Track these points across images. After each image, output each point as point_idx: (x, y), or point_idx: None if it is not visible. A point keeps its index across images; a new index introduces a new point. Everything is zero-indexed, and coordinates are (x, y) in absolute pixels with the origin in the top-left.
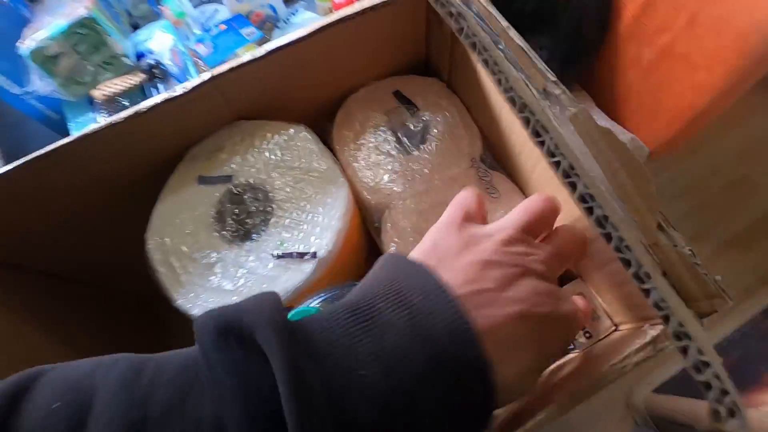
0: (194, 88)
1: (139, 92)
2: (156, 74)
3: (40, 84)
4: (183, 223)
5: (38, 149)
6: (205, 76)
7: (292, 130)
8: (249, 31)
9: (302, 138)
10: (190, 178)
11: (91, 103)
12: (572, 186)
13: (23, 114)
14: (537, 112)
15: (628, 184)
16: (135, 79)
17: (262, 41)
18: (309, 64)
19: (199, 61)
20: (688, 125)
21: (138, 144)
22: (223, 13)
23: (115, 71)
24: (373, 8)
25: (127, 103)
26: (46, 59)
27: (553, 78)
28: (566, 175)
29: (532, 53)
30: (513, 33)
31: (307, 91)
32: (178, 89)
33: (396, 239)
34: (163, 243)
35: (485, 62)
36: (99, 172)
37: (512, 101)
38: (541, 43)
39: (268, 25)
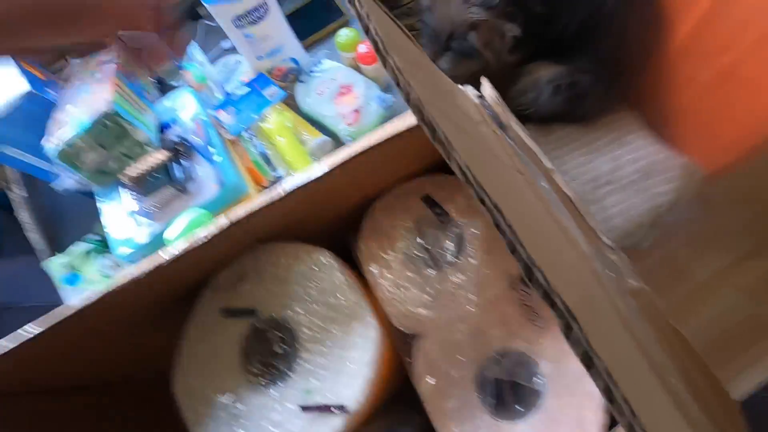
0: (215, 236)
1: (164, 169)
2: (180, 150)
3: (68, 180)
4: (208, 362)
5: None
6: (224, 222)
7: (316, 257)
8: (272, 92)
9: (326, 266)
10: (213, 309)
11: (116, 185)
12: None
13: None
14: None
15: (702, 384)
16: (159, 157)
17: (285, 100)
18: (331, 191)
19: (222, 129)
20: (749, 151)
21: (160, 285)
22: (244, 65)
23: (139, 157)
24: (399, 135)
25: (149, 183)
26: (72, 157)
27: (609, 242)
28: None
29: (581, 205)
30: (559, 179)
31: (330, 210)
32: (201, 236)
33: (429, 376)
34: (191, 386)
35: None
36: (126, 313)
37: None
38: (583, 66)
39: (292, 77)
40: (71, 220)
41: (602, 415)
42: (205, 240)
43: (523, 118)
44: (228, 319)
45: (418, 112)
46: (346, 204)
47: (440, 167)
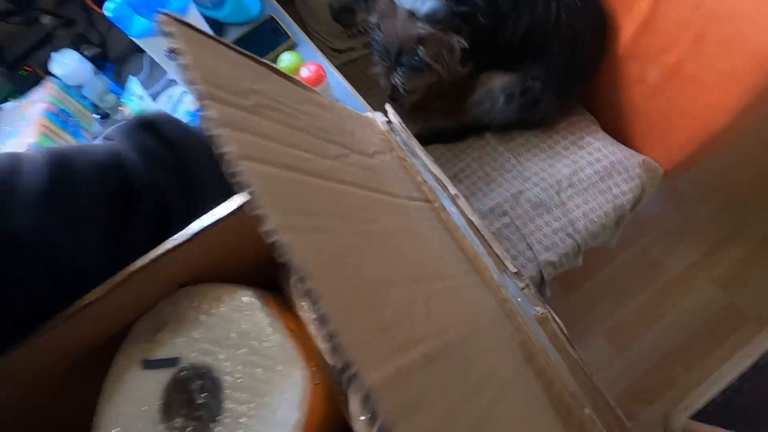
0: (132, 274)
1: None
2: None
3: None
4: (129, 420)
5: None
6: (138, 264)
7: (238, 297)
8: None
9: (248, 306)
10: (134, 361)
11: None
12: None
13: None
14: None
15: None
16: None
17: None
18: (249, 228)
19: None
20: (704, 145)
21: (76, 336)
22: (184, 95)
23: None
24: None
25: None
26: None
27: (514, 269)
28: None
29: (485, 231)
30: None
31: (252, 248)
32: (117, 279)
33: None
34: None
35: None
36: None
37: None
38: (533, 73)
39: None
40: None
41: None
42: (118, 282)
43: (483, 127)
44: (148, 371)
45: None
46: (259, 247)
47: None
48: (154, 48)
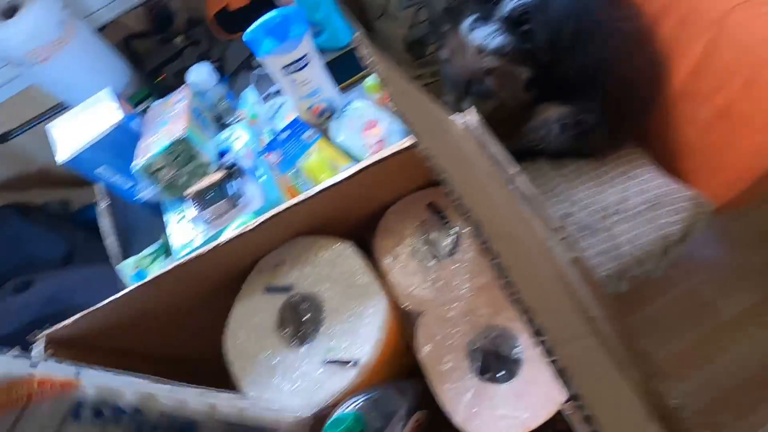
0: (264, 222)
1: (220, 186)
2: (233, 172)
3: (147, 191)
4: (252, 326)
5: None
6: (270, 213)
7: (340, 246)
8: (309, 135)
9: (348, 254)
10: (258, 286)
11: (181, 199)
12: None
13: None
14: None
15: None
16: (217, 177)
17: (321, 140)
18: (354, 195)
19: (275, 168)
20: (755, 185)
21: (215, 265)
22: (287, 105)
23: (202, 175)
24: (400, 152)
25: (208, 197)
26: (151, 172)
27: (558, 224)
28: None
29: (537, 201)
30: (521, 181)
31: (352, 210)
32: (254, 223)
33: (428, 345)
34: (236, 345)
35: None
36: (193, 284)
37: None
38: (588, 106)
39: (327, 115)
40: (140, 232)
41: None
42: (252, 228)
43: (537, 152)
44: (268, 294)
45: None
46: (366, 208)
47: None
48: (273, 64)
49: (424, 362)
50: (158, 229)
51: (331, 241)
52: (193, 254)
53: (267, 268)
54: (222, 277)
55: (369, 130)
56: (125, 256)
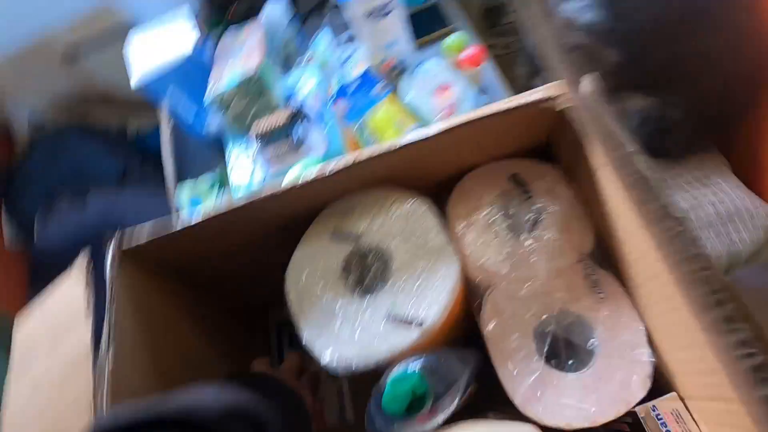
0: (342, 169)
1: (286, 128)
2: (300, 115)
3: (214, 121)
4: (316, 269)
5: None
6: (351, 159)
7: (415, 203)
8: (379, 88)
9: (423, 212)
10: (326, 230)
11: (246, 134)
12: None
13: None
14: None
15: None
16: (283, 117)
17: (390, 96)
18: (437, 150)
19: (340, 118)
20: None
21: (292, 203)
22: (359, 54)
23: (268, 114)
24: (506, 111)
25: (271, 136)
26: (222, 104)
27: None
28: None
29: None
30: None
31: (431, 167)
32: (331, 165)
33: (495, 320)
34: (298, 284)
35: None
36: (260, 221)
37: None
38: (674, 101)
39: (397, 71)
40: (197, 161)
41: (648, 380)
42: (331, 172)
43: None
44: (335, 240)
45: None
46: (444, 170)
47: (529, 153)
48: (355, 7)
49: (488, 337)
50: (215, 161)
51: (406, 196)
52: (268, 191)
53: (336, 214)
54: (291, 218)
55: (441, 92)
56: (179, 181)
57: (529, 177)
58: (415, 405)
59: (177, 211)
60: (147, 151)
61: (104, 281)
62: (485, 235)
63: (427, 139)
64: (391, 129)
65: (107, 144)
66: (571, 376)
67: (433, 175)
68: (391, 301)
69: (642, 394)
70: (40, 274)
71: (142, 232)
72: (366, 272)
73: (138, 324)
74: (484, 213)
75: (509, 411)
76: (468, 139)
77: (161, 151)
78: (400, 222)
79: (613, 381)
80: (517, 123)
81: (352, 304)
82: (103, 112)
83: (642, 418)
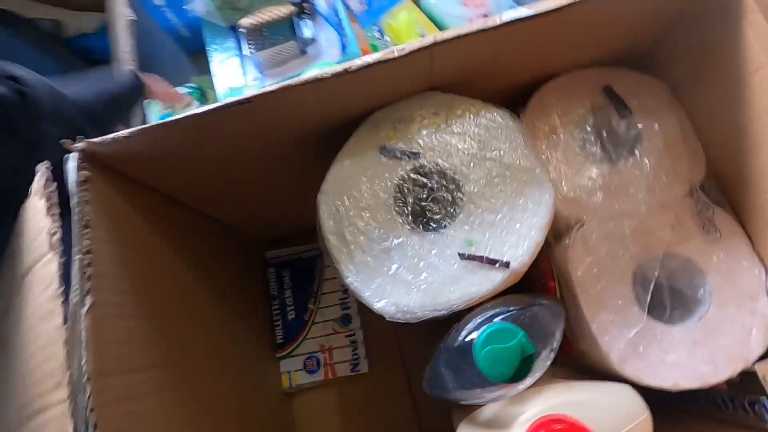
0: (411, 53)
1: (287, 25)
2: (305, 9)
3: (199, 4)
4: (360, 193)
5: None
6: (428, 41)
7: (494, 114)
8: None
9: (506, 126)
10: (371, 145)
11: (234, 30)
12: None
13: (156, 24)
14: None
15: None
16: (284, 11)
17: None
18: (520, 43)
19: (353, 17)
20: None
21: (331, 101)
22: None
23: (269, 3)
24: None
25: (268, 35)
26: None
27: None
28: None
29: None
30: None
31: (507, 69)
32: (395, 51)
33: (586, 262)
34: (338, 211)
35: None
36: (285, 122)
37: None
38: None
39: None
40: (167, 66)
41: None
42: (400, 54)
43: None
44: (384, 157)
45: None
46: (519, 74)
47: (623, 63)
48: None
49: (577, 280)
50: (189, 68)
51: (479, 104)
52: (281, 84)
53: (386, 123)
54: (315, 126)
55: None
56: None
57: (626, 91)
58: (521, 367)
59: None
60: (91, 56)
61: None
62: (572, 159)
63: (524, 20)
64: (413, 36)
65: (41, 42)
66: (677, 329)
67: (504, 81)
68: (465, 238)
69: (761, 350)
70: None
71: (118, 133)
72: (428, 201)
73: (117, 256)
74: (571, 130)
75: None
76: (562, 31)
77: (112, 54)
78: (475, 137)
79: (728, 334)
80: (635, 11)
81: (411, 240)
82: (30, 4)
83: (762, 378)
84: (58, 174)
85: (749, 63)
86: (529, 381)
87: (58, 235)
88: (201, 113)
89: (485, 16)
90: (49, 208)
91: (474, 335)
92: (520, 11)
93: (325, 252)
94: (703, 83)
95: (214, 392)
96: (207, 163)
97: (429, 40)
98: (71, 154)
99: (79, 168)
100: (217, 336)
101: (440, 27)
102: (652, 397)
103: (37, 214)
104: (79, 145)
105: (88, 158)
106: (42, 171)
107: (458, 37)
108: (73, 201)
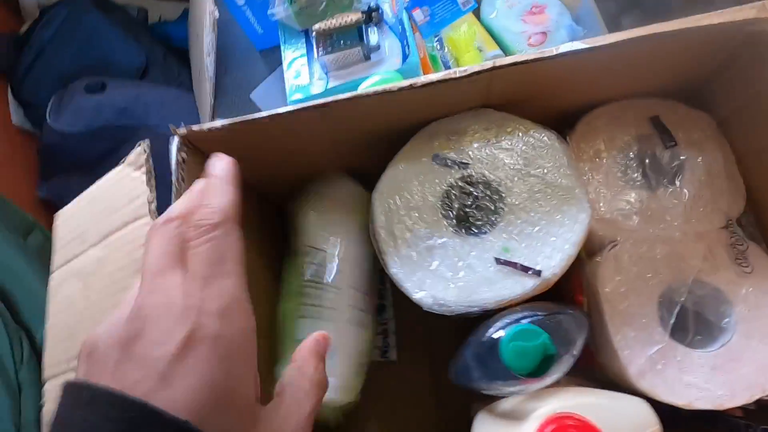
0: (471, 74)
1: (355, 31)
2: (373, 18)
3: (280, 9)
4: (411, 195)
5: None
6: (487, 65)
7: (542, 135)
8: (464, 0)
9: (551, 146)
10: (426, 152)
11: (306, 33)
12: None
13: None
14: None
15: None
16: (354, 18)
17: (475, 11)
18: (574, 72)
19: (415, 27)
20: None
21: (395, 110)
22: None
23: (342, 10)
24: (671, 33)
25: (336, 39)
26: None
27: None
28: None
29: None
30: None
31: (560, 94)
32: (457, 72)
33: (616, 279)
34: (389, 208)
35: None
36: (353, 125)
37: None
38: None
39: None
40: (242, 62)
41: None
42: (462, 75)
43: None
44: (436, 165)
45: None
46: (571, 99)
47: (671, 95)
48: None
49: (605, 297)
50: (262, 64)
51: (528, 124)
52: (353, 93)
53: (441, 134)
54: (378, 131)
55: (533, 15)
56: (219, 84)
57: (673, 122)
58: (541, 365)
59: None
60: (169, 42)
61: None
62: (614, 183)
63: (580, 52)
64: (471, 52)
65: (128, 28)
66: (698, 353)
67: (555, 104)
68: (503, 245)
69: None
70: (51, 160)
71: (213, 124)
72: (472, 208)
73: None
74: (615, 156)
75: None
76: (617, 63)
77: (189, 44)
78: (521, 153)
79: (749, 364)
80: (691, 48)
81: (454, 241)
82: None
83: None
84: None
85: None
86: (548, 380)
87: (155, 204)
88: (283, 113)
89: (544, 33)
90: (148, 180)
91: (502, 333)
92: (575, 44)
93: (375, 244)
94: (751, 123)
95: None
96: (277, 154)
97: (488, 64)
98: (174, 137)
99: (179, 150)
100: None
101: (498, 42)
102: (667, 418)
103: (135, 183)
104: (182, 131)
105: (186, 142)
106: (142, 147)
107: (515, 64)
108: (173, 177)
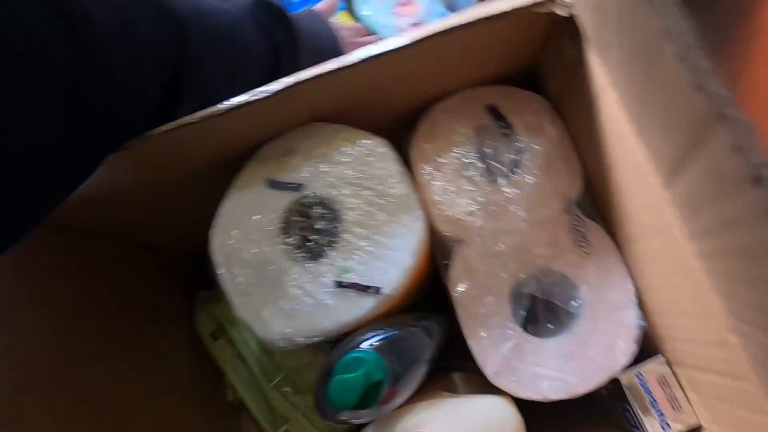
0: (277, 93)
1: None
2: None
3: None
4: (248, 227)
5: None
6: (290, 81)
7: (371, 143)
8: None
9: (381, 155)
10: (259, 179)
11: None
12: None
13: None
14: None
15: None
16: None
17: (344, 13)
18: (400, 72)
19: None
20: None
21: (211, 142)
22: None
23: None
24: (487, 19)
25: None
26: None
27: None
28: None
29: None
30: None
31: (392, 96)
32: (266, 92)
33: (466, 281)
34: (227, 245)
35: None
36: (172, 165)
37: None
38: None
39: None
40: None
41: (634, 345)
42: (266, 96)
43: None
44: (271, 190)
45: None
46: (404, 100)
47: (510, 79)
48: None
49: (457, 300)
50: None
51: (358, 134)
52: (170, 125)
53: (272, 157)
54: (208, 159)
55: (404, 7)
56: None
57: (509, 108)
58: (369, 393)
59: None
60: None
61: None
62: (456, 181)
63: (387, 53)
64: None
65: None
66: (549, 343)
67: (390, 107)
68: (342, 266)
69: (626, 360)
70: None
71: None
72: (310, 230)
73: None
74: (455, 153)
75: (478, 371)
76: (439, 57)
77: None
78: (354, 166)
79: (597, 346)
80: (503, 36)
81: (292, 269)
82: None
83: (625, 386)
84: None
85: (595, 85)
86: (398, 401)
87: None
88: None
89: (417, 24)
90: None
91: (332, 363)
92: (371, 49)
93: (218, 286)
94: (571, 101)
95: None
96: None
97: (292, 80)
98: None
99: None
100: None
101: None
102: (545, 405)
103: None
104: None
105: None
106: None
107: (319, 77)
108: None
